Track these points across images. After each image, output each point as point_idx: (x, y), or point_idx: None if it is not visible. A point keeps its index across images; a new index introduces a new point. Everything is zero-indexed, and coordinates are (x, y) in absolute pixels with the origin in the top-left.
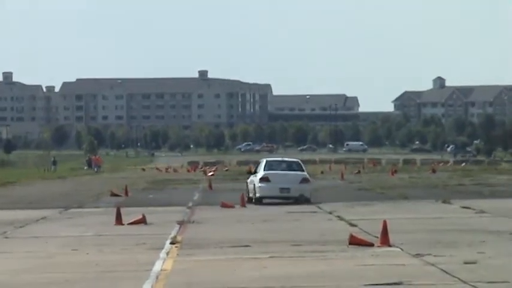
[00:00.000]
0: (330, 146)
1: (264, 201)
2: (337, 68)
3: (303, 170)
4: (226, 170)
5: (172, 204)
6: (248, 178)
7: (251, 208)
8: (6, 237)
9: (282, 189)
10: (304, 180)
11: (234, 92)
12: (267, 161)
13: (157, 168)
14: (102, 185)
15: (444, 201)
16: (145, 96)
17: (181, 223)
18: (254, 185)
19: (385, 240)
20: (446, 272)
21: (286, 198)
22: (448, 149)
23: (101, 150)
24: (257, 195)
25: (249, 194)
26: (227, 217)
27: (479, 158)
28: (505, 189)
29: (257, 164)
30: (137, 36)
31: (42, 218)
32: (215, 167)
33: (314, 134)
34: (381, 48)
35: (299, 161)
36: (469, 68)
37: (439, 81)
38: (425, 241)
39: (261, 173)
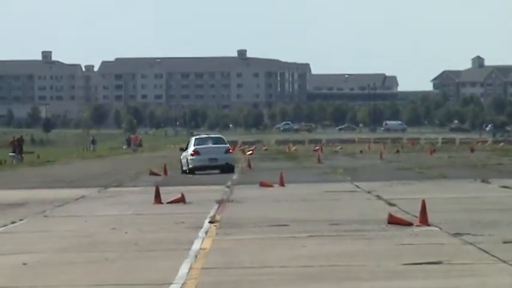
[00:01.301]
0: (361, 125)
1: (197, 172)
2: (376, 47)
3: (226, 143)
4: (265, 150)
5: (211, 183)
6: (181, 155)
7: (290, 187)
8: (46, 216)
9: (210, 160)
10: (228, 151)
11: (273, 71)
12: (195, 139)
13: None
14: (141, 164)
15: (483, 181)
16: (184, 75)
17: (220, 202)
18: (187, 159)
19: (423, 219)
20: (485, 251)
21: (215, 167)
22: (487, 129)
23: (140, 129)
24: (190, 166)
25: (182, 168)
26: (266, 196)
27: None
28: None
29: (187, 141)
30: (177, 14)
31: (81, 197)
32: (254, 147)
33: (353, 113)
34: (420, 28)
35: (222, 136)
36: (508, 47)
37: (478, 61)
38: (464, 220)
39: (191, 148)
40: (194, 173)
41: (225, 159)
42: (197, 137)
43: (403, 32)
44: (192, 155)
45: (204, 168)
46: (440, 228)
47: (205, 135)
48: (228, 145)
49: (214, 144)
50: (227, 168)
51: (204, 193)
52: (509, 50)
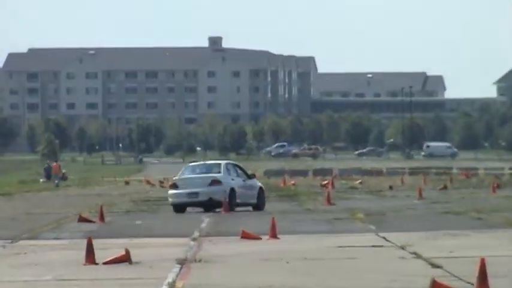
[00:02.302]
0: (388, 145)
1: (189, 209)
2: (413, 34)
3: (219, 172)
4: None
5: (169, 234)
6: None
7: (286, 241)
8: None
9: (189, 194)
10: (214, 183)
11: (261, 68)
12: (187, 166)
13: (147, 181)
14: (66, 205)
15: None
16: (130, 74)
17: (182, 262)
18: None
19: None
20: None
21: (195, 204)
22: None
23: (65, 154)
24: (170, 202)
25: None
26: (250, 253)
27: None
28: None
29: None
30: None
31: None
32: (170, 183)
33: (379, 130)
34: (476, 7)
35: (222, 162)
36: None
37: None
38: None
39: (173, 179)
40: (182, 211)
41: (208, 194)
42: (192, 164)
43: (452, 12)
44: (170, 188)
45: (184, 206)
46: None
47: (202, 162)
48: (218, 174)
49: (201, 173)
50: (212, 206)
51: (159, 248)
52: None
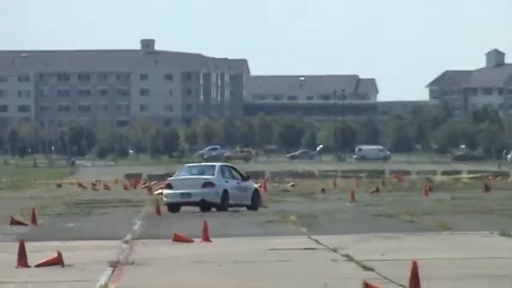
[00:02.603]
0: (319, 148)
1: (183, 208)
2: (345, 37)
3: (213, 174)
4: None
5: (102, 237)
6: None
7: (218, 243)
8: None
9: (182, 195)
10: (207, 185)
11: (193, 71)
12: (184, 167)
13: (79, 184)
14: None
15: (503, 234)
16: (62, 77)
17: (115, 265)
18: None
19: None
20: None
21: (189, 204)
22: (509, 156)
23: None
24: (164, 202)
25: None
26: (182, 256)
27: None
28: None
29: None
30: None
31: None
32: (165, 183)
33: (311, 133)
34: (410, 10)
35: (217, 164)
36: None
37: (496, 57)
38: None
39: (168, 179)
40: (176, 211)
41: (201, 195)
42: (189, 164)
43: (382, 16)
44: (165, 188)
45: (178, 206)
46: None
47: (198, 164)
48: (211, 176)
49: (197, 174)
50: (206, 207)
51: (92, 251)
52: None
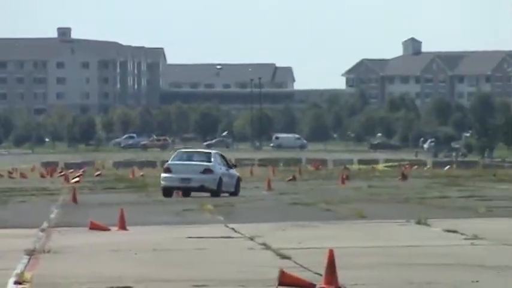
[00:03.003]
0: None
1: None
2: (262, 25)
3: (209, 161)
4: (98, 175)
5: (18, 225)
6: None
7: (135, 232)
8: None
9: (182, 180)
10: (207, 171)
11: (110, 59)
12: (178, 152)
13: None
14: None
15: (419, 222)
16: None
17: (31, 253)
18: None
19: (331, 279)
20: None
21: (187, 189)
22: (425, 145)
23: None
24: (161, 186)
25: None
26: (99, 244)
27: (471, 158)
28: (508, 205)
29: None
30: None
31: None
32: (82, 171)
33: (228, 121)
34: None
35: (212, 152)
36: (456, 26)
37: (413, 45)
38: (391, 281)
39: (166, 164)
40: (170, 195)
41: (201, 181)
42: (182, 150)
43: (299, 4)
44: (163, 171)
45: (175, 189)
46: None
47: (193, 149)
48: (209, 163)
49: (194, 160)
50: (203, 192)
51: (8, 239)
52: (458, 31)
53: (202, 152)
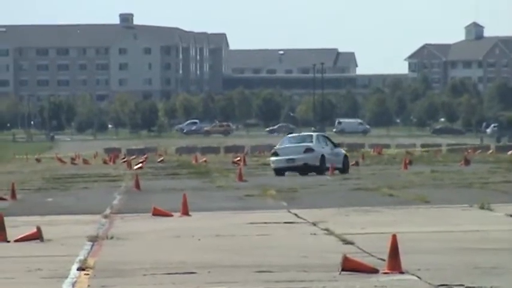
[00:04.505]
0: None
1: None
2: (324, 10)
3: (311, 141)
4: (161, 161)
5: (81, 211)
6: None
7: (197, 218)
8: None
9: (287, 160)
10: (308, 150)
11: (172, 45)
12: (285, 137)
13: (59, 159)
14: None
15: (483, 207)
16: (41, 51)
17: (94, 239)
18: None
19: (395, 264)
20: None
21: (293, 169)
22: (488, 130)
23: None
24: (271, 167)
25: None
26: (162, 230)
27: None
28: None
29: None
30: None
31: None
32: (144, 157)
33: (290, 107)
34: None
35: (313, 134)
36: None
37: (475, 30)
38: (455, 265)
39: (273, 148)
40: (282, 175)
41: (303, 160)
42: (289, 135)
43: None
44: (272, 155)
45: (284, 170)
46: (419, 278)
47: (297, 134)
48: (310, 143)
49: (298, 142)
50: (308, 170)
51: (70, 226)
52: None
53: (305, 135)
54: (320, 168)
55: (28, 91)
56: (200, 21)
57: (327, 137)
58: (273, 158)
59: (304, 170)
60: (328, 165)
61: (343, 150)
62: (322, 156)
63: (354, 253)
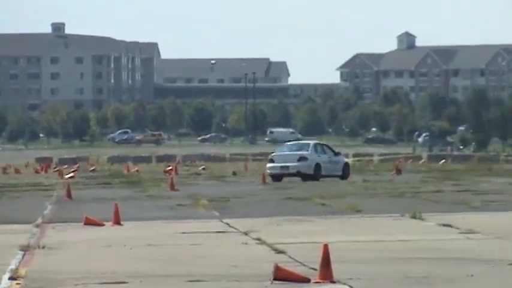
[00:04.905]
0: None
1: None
2: (256, 20)
3: (307, 150)
4: (92, 171)
5: (12, 221)
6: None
7: (129, 227)
8: None
9: (282, 167)
10: (302, 159)
11: (104, 54)
12: (284, 144)
13: None
14: None
15: (414, 216)
16: None
17: (26, 249)
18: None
19: (326, 273)
20: None
21: (287, 176)
22: (420, 139)
23: None
24: (267, 173)
25: None
26: (94, 240)
27: (466, 152)
28: (503, 199)
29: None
30: None
31: None
32: (76, 166)
33: (222, 116)
34: None
35: (311, 142)
36: (450, 20)
37: (407, 40)
38: (387, 275)
39: (270, 155)
40: (279, 181)
41: (296, 168)
42: (288, 143)
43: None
44: (268, 161)
45: (279, 176)
46: (350, 287)
47: (295, 142)
48: (305, 152)
49: (293, 151)
50: (302, 178)
51: (2, 235)
52: (452, 25)
53: (303, 143)
54: (314, 176)
55: None
56: (132, 30)
57: (326, 146)
58: (269, 165)
59: (298, 177)
60: (324, 173)
61: (344, 158)
62: (317, 164)
63: (285, 262)
